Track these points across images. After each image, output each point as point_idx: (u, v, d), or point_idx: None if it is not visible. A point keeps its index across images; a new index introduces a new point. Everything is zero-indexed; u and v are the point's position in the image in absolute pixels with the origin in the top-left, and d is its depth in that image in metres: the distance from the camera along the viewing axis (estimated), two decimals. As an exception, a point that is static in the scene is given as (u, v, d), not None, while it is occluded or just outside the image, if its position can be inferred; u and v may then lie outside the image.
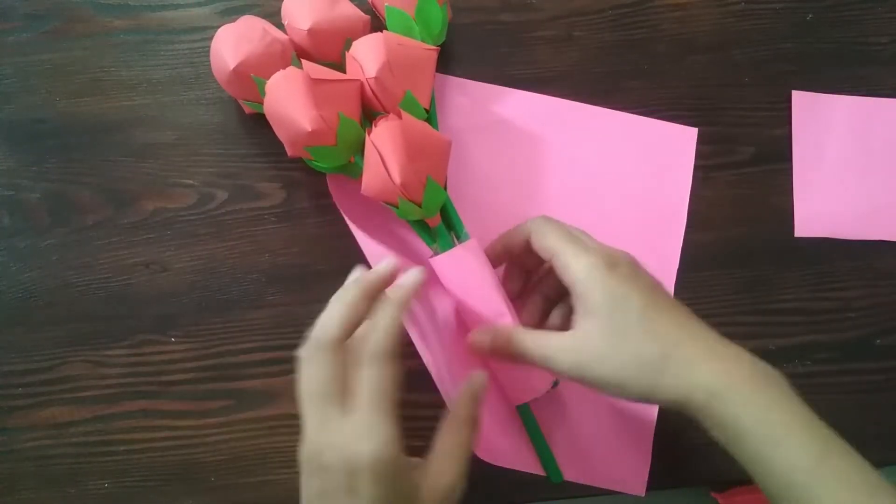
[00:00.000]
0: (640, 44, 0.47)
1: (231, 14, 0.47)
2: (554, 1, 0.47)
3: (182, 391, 0.43)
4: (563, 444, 0.41)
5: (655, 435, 0.42)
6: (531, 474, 0.42)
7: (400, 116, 0.37)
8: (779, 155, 0.46)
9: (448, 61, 0.46)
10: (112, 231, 0.44)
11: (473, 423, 0.36)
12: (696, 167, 0.45)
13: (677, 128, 0.45)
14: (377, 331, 0.32)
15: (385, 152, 0.36)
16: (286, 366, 0.43)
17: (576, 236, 0.36)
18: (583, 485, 0.42)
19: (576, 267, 0.34)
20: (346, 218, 0.42)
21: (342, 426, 0.30)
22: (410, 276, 0.35)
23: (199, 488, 0.42)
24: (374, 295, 0.34)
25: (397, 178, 0.36)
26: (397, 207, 0.38)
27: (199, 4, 0.47)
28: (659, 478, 0.42)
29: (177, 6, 0.47)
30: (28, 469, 0.42)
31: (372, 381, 0.31)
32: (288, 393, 0.42)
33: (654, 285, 0.35)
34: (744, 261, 0.44)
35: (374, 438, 0.29)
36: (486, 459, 0.40)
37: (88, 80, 0.46)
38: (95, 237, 0.44)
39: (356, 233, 0.41)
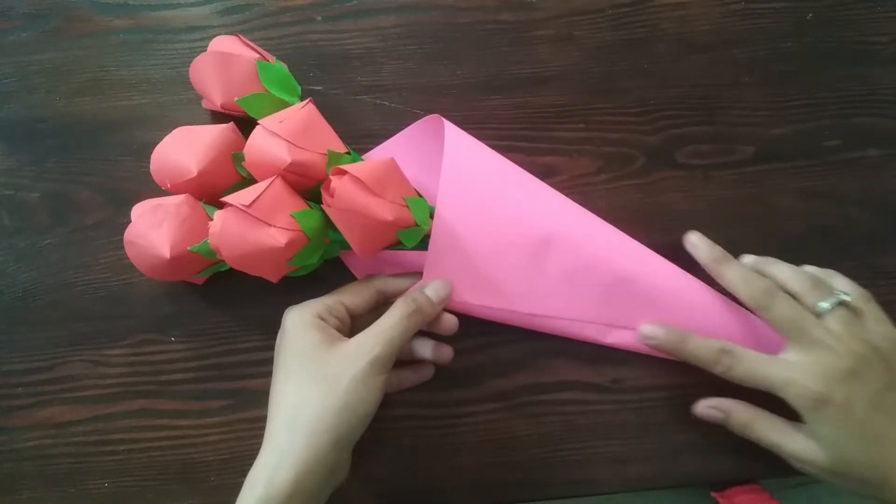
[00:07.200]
0: (639, 43, 0.47)
1: (231, 13, 0.47)
2: (554, 0, 0.47)
3: (182, 391, 0.43)
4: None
5: (655, 435, 0.42)
6: (531, 475, 0.42)
7: (342, 174, 0.36)
8: (779, 155, 0.45)
9: (449, 61, 0.46)
10: (112, 231, 0.44)
11: (421, 314, 0.37)
12: (695, 167, 0.45)
13: None
14: None
15: (358, 207, 0.36)
16: (286, 365, 0.43)
17: (803, 323, 0.37)
18: (580, 483, 0.42)
19: (791, 398, 0.37)
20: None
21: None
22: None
23: (199, 488, 0.42)
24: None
25: (389, 217, 0.36)
26: (399, 242, 0.38)
27: (199, 4, 0.47)
28: (659, 478, 0.42)
29: (176, 5, 0.47)
30: (28, 469, 0.42)
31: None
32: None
33: (886, 387, 0.36)
34: (744, 260, 0.44)
35: (298, 308, 0.38)
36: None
37: (88, 79, 0.46)
38: (95, 237, 0.44)
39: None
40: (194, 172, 0.38)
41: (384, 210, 0.36)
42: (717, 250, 0.41)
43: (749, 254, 0.42)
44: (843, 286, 0.39)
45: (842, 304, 0.37)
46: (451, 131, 0.41)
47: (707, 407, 0.40)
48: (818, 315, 0.37)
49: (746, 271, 0.40)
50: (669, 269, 0.42)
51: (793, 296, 0.38)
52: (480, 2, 0.47)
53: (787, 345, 0.38)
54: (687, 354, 0.39)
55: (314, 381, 0.35)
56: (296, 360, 0.36)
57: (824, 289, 0.38)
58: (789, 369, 0.36)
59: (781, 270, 0.40)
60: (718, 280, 0.40)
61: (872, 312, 0.38)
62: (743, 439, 0.39)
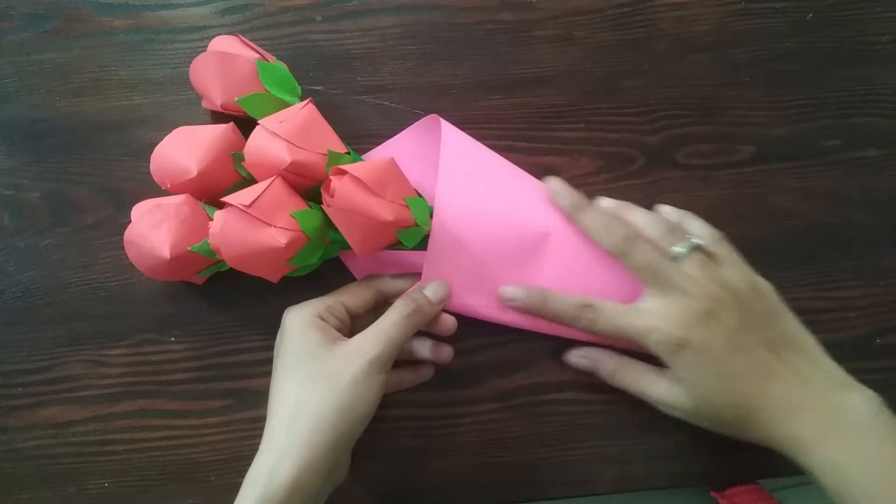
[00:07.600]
0: (639, 43, 0.47)
1: (231, 13, 0.47)
2: (554, 0, 0.47)
3: (182, 391, 0.43)
4: None
5: (655, 435, 0.42)
6: (531, 475, 0.42)
7: (342, 174, 0.36)
8: (779, 155, 0.45)
9: (449, 61, 0.46)
10: (112, 231, 0.44)
11: (420, 314, 0.38)
12: (695, 167, 0.45)
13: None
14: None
15: (358, 207, 0.35)
16: (286, 365, 0.42)
17: (665, 275, 0.37)
18: (580, 483, 0.42)
19: (651, 345, 0.36)
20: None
21: None
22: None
23: (199, 488, 0.42)
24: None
25: (389, 217, 0.36)
26: (399, 242, 0.38)
27: (199, 4, 0.47)
28: (659, 477, 0.42)
29: (176, 5, 0.47)
30: (28, 469, 0.42)
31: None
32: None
33: (742, 326, 0.36)
34: (744, 260, 0.44)
35: (299, 307, 0.38)
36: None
37: (88, 79, 0.46)
38: (95, 237, 0.44)
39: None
40: (194, 172, 0.38)
41: (384, 210, 0.36)
42: (577, 196, 0.40)
43: (606, 197, 0.42)
44: (698, 230, 0.39)
45: (697, 247, 0.37)
46: (449, 132, 0.41)
47: (577, 356, 0.41)
48: (674, 260, 0.37)
49: (606, 218, 0.39)
50: None
51: (650, 241, 0.38)
52: (480, 2, 0.47)
53: (645, 292, 0.37)
54: (549, 313, 0.39)
55: (314, 381, 0.35)
56: (296, 360, 0.36)
57: (679, 233, 0.38)
58: (648, 316, 0.36)
59: (637, 216, 0.40)
60: (578, 227, 0.40)
61: (727, 254, 0.38)
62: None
